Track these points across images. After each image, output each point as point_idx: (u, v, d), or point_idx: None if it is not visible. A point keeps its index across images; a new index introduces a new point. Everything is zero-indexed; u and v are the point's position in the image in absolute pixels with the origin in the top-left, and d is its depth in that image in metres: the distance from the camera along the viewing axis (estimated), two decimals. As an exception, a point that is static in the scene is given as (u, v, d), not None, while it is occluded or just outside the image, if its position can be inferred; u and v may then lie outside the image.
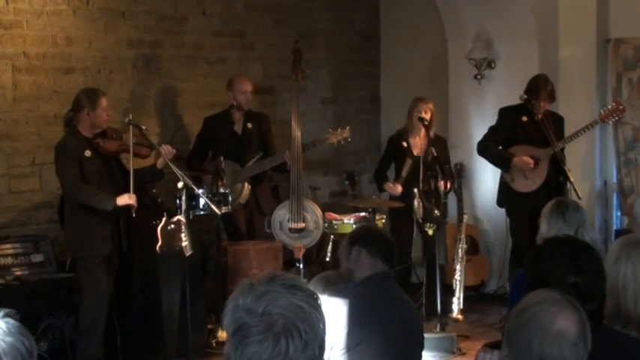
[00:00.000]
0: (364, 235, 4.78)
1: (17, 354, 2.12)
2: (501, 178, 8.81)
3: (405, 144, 8.90)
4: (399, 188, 8.71)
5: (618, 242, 3.86)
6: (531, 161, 8.48)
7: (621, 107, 8.59)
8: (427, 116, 8.75)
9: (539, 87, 8.51)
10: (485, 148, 8.73)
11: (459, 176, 9.44)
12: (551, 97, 8.58)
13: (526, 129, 8.63)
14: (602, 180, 9.55)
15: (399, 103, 9.38)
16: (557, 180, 8.63)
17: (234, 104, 8.44)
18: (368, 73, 10.72)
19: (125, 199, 7.08)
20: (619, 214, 9.53)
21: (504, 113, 8.77)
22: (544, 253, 3.39)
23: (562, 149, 8.57)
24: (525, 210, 8.54)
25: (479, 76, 9.83)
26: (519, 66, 9.27)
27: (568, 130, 8.69)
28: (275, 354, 2.14)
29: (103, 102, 7.27)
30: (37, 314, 7.25)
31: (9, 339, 2.12)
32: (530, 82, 8.61)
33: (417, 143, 8.91)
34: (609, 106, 8.71)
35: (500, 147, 8.73)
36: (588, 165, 9.41)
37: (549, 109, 8.66)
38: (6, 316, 2.16)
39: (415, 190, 8.39)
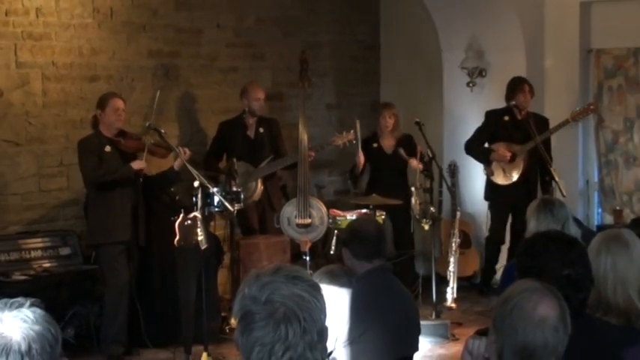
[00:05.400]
0: (348, 238, 4.67)
1: (45, 341, 2.11)
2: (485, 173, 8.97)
3: (375, 145, 9.07)
4: (361, 158, 8.85)
5: (599, 237, 3.84)
6: (508, 154, 8.71)
7: (592, 107, 8.68)
8: (391, 121, 9.02)
9: (515, 82, 8.80)
10: (470, 147, 8.99)
11: (453, 176, 9.43)
12: (531, 90, 8.78)
13: (507, 127, 8.85)
14: (584, 179, 9.54)
15: (398, 108, 9.36)
16: (536, 176, 8.78)
17: (247, 110, 8.44)
18: (369, 81, 10.70)
19: (138, 163, 7.25)
20: (600, 210, 9.51)
21: (489, 115, 9.01)
22: (538, 247, 3.36)
23: (549, 150, 8.58)
24: (505, 203, 8.87)
25: (471, 84, 9.82)
26: (508, 74, 9.24)
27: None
28: (276, 339, 2.15)
29: (113, 103, 7.32)
30: (64, 303, 7.29)
31: (37, 327, 2.11)
32: (508, 84, 8.87)
33: (387, 144, 9.11)
34: (578, 108, 8.75)
35: (485, 145, 8.95)
36: (572, 165, 9.39)
37: (533, 110, 8.73)
38: (32, 305, 2.15)
39: (412, 188, 8.40)
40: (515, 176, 8.79)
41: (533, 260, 3.32)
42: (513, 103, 8.72)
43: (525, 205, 8.60)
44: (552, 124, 8.81)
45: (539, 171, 8.81)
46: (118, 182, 7.23)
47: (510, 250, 8.91)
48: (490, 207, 9.13)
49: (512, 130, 8.83)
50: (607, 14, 9.26)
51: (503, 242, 9.11)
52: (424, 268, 8.98)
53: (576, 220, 5.84)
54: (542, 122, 8.79)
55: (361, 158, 8.82)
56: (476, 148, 8.98)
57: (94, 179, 7.25)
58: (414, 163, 8.71)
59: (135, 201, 7.33)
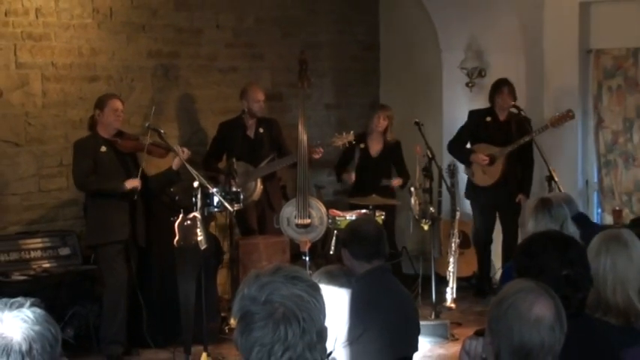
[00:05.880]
0: (347, 239, 4.68)
1: (45, 341, 2.12)
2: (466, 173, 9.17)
3: (362, 145, 9.09)
4: (352, 177, 9.00)
5: (598, 237, 3.85)
6: (486, 159, 8.84)
7: (570, 114, 8.68)
8: (384, 123, 9.09)
9: (495, 84, 8.96)
10: (451, 147, 9.09)
11: (452, 176, 9.43)
12: (511, 93, 8.85)
13: (489, 129, 8.97)
14: (583, 179, 9.53)
15: (397, 109, 9.37)
16: (516, 177, 8.93)
17: (246, 110, 8.46)
18: (368, 81, 10.70)
19: (132, 182, 7.20)
20: (599, 210, 9.51)
21: (471, 115, 9.14)
22: (537, 247, 3.36)
23: (530, 152, 8.82)
24: (485, 203, 9.00)
25: (470, 84, 9.84)
26: (508, 75, 9.25)
27: (550, 134, 8.78)
28: (275, 339, 2.15)
29: (112, 104, 7.34)
30: (64, 303, 7.29)
31: (37, 327, 2.12)
32: (491, 85, 9.03)
33: (374, 146, 9.15)
34: (557, 113, 8.78)
35: (468, 144, 9.09)
36: (571, 166, 9.39)
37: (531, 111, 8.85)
38: (32, 305, 2.15)
39: (412, 188, 8.41)
40: (494, 178, 8.92)
41: (531, 260, 3.33)
42: (513, 103, 8.77)
43: (507, 205, 8.96)
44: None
45: (519, 172, 8.99)
46: (104, 193, 7.25)
47: (504, 251, 9.00)
48: (471, 206, 9.24)
49: (493, 131, 8.95)
50: (606, 14, 9.26)
51: (489, 241, 9.18)
52: (423, 269, 9.00)
53: (584, 217, 5.84)
54: (523, 123, 8.86)
55: (352, 178, 9.02)
56: (457, 148, 9.10)
57: (82, 184, 7.30)
58: (396, 182, 8.95)
59: (131, 201, 7.33)
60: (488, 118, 8.97)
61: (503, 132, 8.87)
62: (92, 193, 7.32)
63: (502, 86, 8.89)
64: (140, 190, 7.23)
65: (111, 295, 7.23)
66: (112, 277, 7.24)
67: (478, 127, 9.03)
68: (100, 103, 7.38)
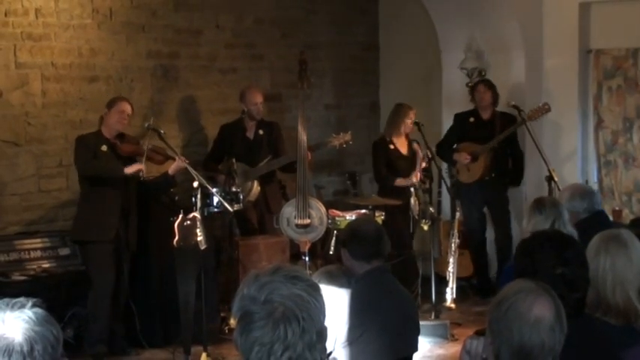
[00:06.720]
0: (347, 239, 4.66)
1: (46, 342, 2.12)
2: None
3: (392, 146, 8.99)
4: (413, 179, 8.56)
5: (598, 237, 3.86)
6: (468, 157, 9.02)
7: (546, 107, 8.74)
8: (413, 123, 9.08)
9: (475, 83, 9.29)
10: (440, 149, 9.20)
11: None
12: (489, 90, 9.06)
13: (472, 128, 9.16)
14: (583, 180, 9.52)
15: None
16: (505, 172, 9.19)
17: (245, 111, 8.47)
18: (368, 82, 10.71)
19: (134, 167, 7.22)
20: (599, 210, 9.49)
21: (456, 117, 9.36)
22: (533, 247, 3.37)
23: (516, 147, 9.13)
24: (471, 200, 9.12)
25: (470, 84, 9.83)
26: (508, 75, 9.27)
27: (550, 134, 8.78)
28: (275, 339, 2.16)
29: (119, 105, 7.36)
30: (63, 303, 7.29)
31: (38, 328, 2.12)
32: (470, 88, 9.34)
33: (402, 144, 9.03)
34: (535, 107, 8.84)
35: (454, 145, 9.24)
36: (571, 166, 9.40)
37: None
38: (34, 306, 2.16)
39: (412, 189, 8.41)
40: (478, 174, 9.06)
41: (528, 259, 3.34)
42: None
43: (496, 201, 9.06)
44: (551, 125, 8.85)
45: (507, 167, 9.22)
46: (107, 177, 7.24)
47: (497, 248, 9.14)
48: (459, 207, 9.22)
49: (476, 130, 9.11)
50: (606, 15, 9.26)
51: (482, 241, 9.30)
52: (423, 269, 9.00)
53: (601, 215, 5.82)
54: (508, 121, 8.98)
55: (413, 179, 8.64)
56: (442, 149, 9.24)
57: (86, 169, 7.28)
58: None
59: (124, 202, 7.33)
60: (472, 119, 9.16)
61: (487, 130, 9.02)
62: (94, 182, 7.29)
63: (479, 84, 9.16)
64: (139, 182, 7.24)
65: (98, 293, 7.19)
66: (98, 276, 7.21)
67: (463, 128, 9.21)
68: (110, 103, 7.43)
